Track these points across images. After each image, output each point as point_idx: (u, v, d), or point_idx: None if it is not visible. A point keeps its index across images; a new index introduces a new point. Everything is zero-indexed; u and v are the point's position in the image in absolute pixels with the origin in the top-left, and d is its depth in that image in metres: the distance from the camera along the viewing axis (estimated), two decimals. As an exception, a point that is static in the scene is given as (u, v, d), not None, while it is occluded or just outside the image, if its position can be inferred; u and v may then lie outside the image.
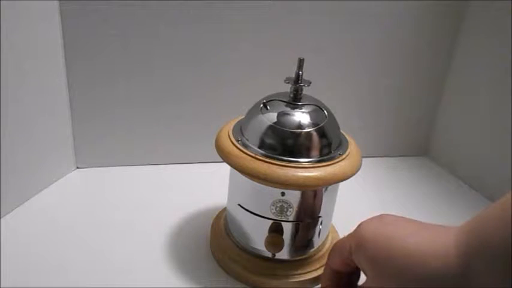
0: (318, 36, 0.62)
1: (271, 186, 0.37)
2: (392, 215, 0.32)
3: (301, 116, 0.38)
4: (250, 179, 0.37)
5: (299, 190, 0.38)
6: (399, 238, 0.29)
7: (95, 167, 0.62)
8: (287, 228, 0.40)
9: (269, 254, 0.42)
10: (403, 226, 0.30)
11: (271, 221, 0.40)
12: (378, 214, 0.33)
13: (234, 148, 0.39)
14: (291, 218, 0.40)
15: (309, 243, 0.42)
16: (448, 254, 0.26)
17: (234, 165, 0.38)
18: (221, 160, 0.39)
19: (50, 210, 0.52)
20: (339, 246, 0.35)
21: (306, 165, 0.37)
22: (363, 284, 0.32)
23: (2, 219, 0.49)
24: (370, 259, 0.30)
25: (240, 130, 0.41)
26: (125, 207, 0.54)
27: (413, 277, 0.27)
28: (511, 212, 0.23)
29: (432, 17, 0.65)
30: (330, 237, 0.46)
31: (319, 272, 0.43)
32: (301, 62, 0.39)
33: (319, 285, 0.43)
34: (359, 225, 0.33)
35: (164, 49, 0.57)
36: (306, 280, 0.42)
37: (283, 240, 0.40)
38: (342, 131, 0.43)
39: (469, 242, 0.25)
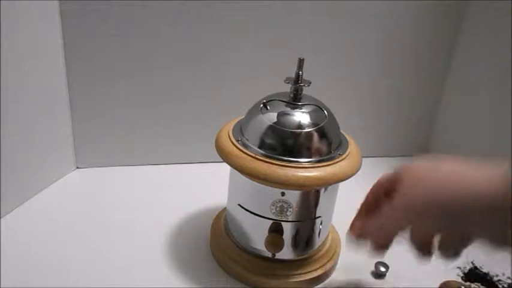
0: (318, 36, 0.62)
1: (271, 186, 0.37)
2: None
3: (301, 116, 0.38)
4: (250, 179, 0.37)
5: (299, 190, 0.38)
6: (445, 168, 0.31)
7: (95, 167, 0.62)
8: (287, 228, 0.40)
9: (269, 254, 0.42)
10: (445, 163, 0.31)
11: (271, 221, 0.40)
12: None
13: (234, 148, 0.39)
14: (291, 218, 0.40)
15: (309, 243, 0.42)
16: (495, 176, 0.27)
17: (234, 165, 0.38)
18: (221, 160, 0.39)
19: (50, 210, 0.52)
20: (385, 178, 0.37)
21: (306, 165, 0.37)
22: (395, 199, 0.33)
23: (2, 219, 0.49)
24: (412, 177, 0.32)
25: (240, 130, 0.41)
26: (125, 207, 0.54)
27: (455, 190, 0.28)
28: None
29: (432, 17, 0.65)
30: (330, 237, 0.46)
31: (319, 272, 0.43)
32: (301, 62, 0.39)
33: (320, 285, 0.43)
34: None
35: (164, 49, 0.57)
36: (306, 280, 0.42)
37: (283, 240, 0.40)
38: (342, 131, 0.43)
39: None
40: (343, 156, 0.39)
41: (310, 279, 0.42)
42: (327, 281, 0.44)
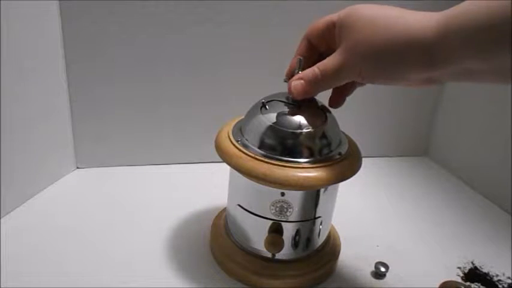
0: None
1: (271, 187, 0.37)
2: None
3: (301, 116, 0.38)
4: (250, 179, 0.37)
5: (299, 190, 0.38)
6: (385, 12, 0.32)
7: (95, 167, 0.62)
8: (287, 228, 0.40)
9: (269, 254, 0.42)
10: (389, 8, 0.32)
11: (271, 221, 0.40)
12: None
13: (234, 148, 0.39)
14: (291, 218, 0.40)
15: (309, 243, 0.43)
16: (430, 20, 0.29)
17: (234, 165, 0.38)
18: (221, 160, 0.39)
19: (50, 210, 0.52)
20: (322, 20, 0.38)
21: (306, 165, 0.37)
22: (331, 56, 0.34)
23: (2, 219, 0.49)
24: (353, 21, 0.33)
25: (239, 130, 0.41)
26: (125, 207, 0.54)
27: (391, 33, 0.30)
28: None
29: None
30: (330, 237, 0.46)
31: (319, 272, 0.43)
32: (300, 62, 0.39)
33: (320, 285, 0.43)
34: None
35: (164, 49, 0.57)
36: (306, 280, 0.42)
37: (283, 240, 0.40)
38: (342, 131, 0.43)
39: (448, 20, 0.28)
40: (343, 156, 0.39)
41: (310, 279, 0.42)
42: (327, 281, 0.44)
